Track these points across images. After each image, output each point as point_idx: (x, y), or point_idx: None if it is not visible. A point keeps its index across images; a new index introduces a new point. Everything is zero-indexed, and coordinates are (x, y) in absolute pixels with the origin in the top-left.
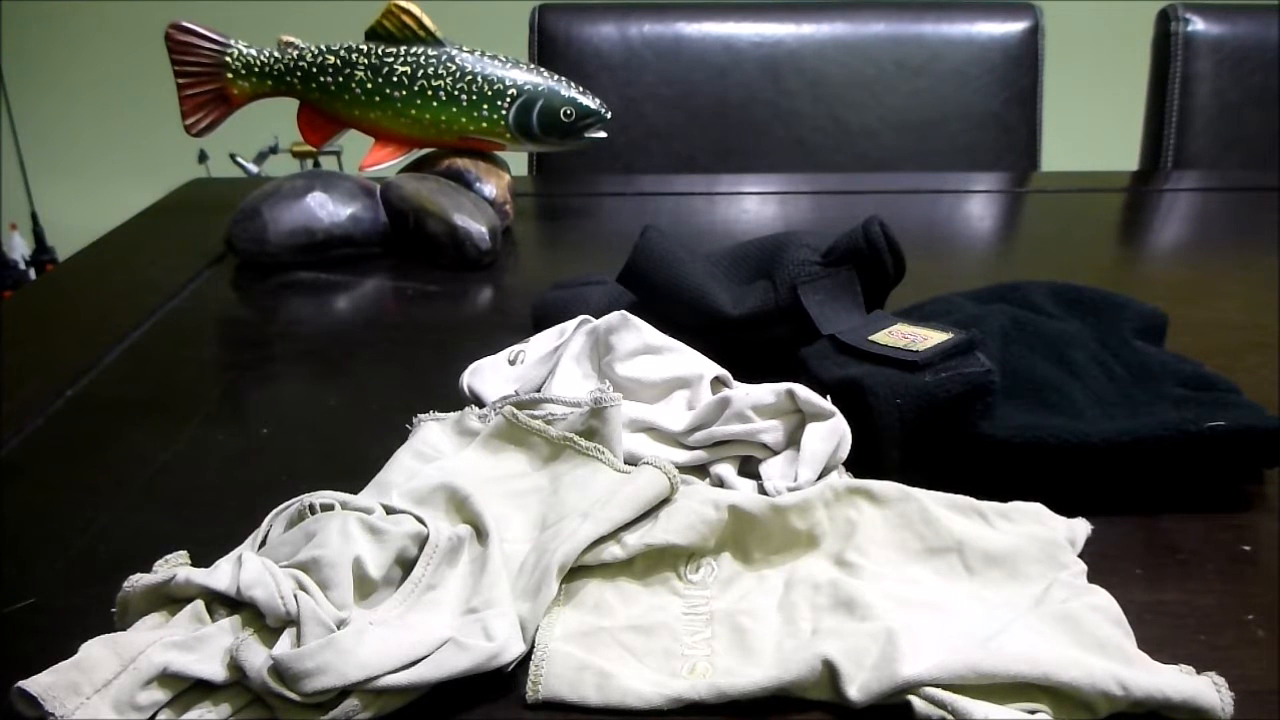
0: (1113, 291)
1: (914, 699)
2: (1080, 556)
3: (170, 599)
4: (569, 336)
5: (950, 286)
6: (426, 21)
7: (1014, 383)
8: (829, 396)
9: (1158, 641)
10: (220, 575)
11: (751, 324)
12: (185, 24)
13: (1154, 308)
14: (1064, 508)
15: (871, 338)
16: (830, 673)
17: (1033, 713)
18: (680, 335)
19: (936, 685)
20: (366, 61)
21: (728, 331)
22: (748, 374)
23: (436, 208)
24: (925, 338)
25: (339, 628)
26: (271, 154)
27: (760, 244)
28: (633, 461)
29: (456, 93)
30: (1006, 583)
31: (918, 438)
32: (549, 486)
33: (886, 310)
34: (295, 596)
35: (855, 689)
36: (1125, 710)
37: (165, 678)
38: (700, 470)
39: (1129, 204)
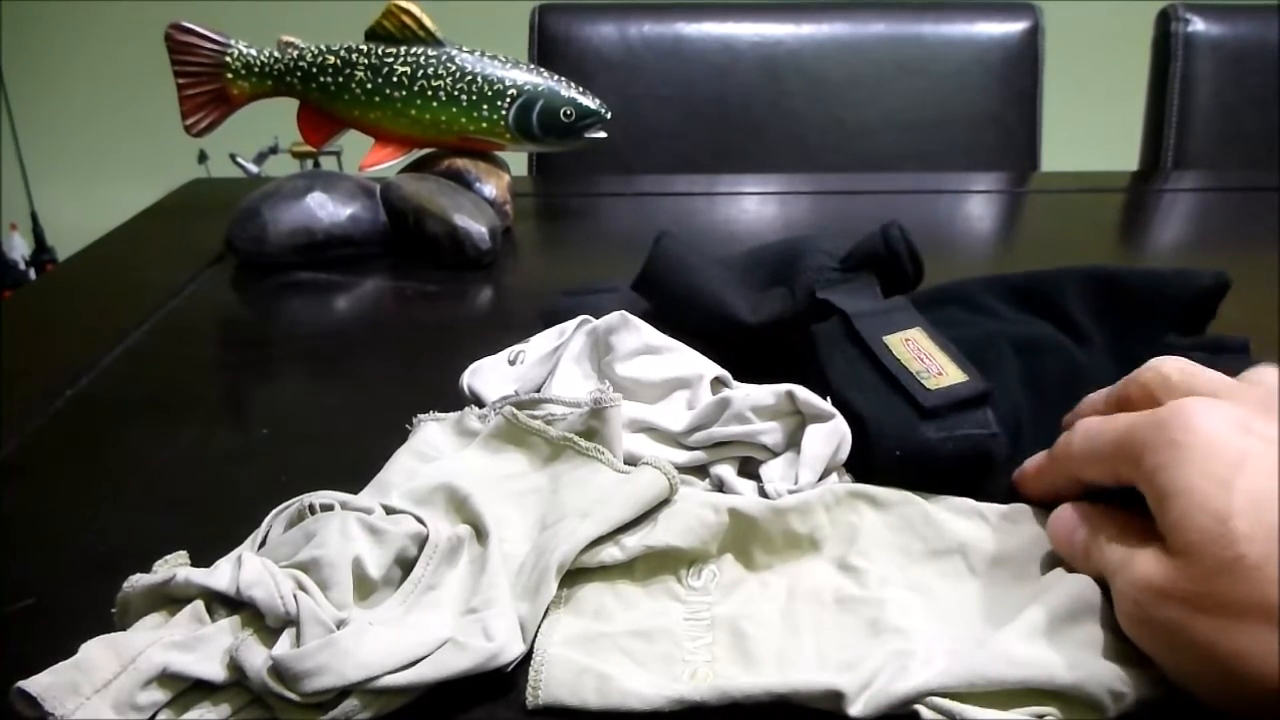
0: (1157, 271)
1: (919, 707)
2: None
3: (170, 599)
4: (569, 337)
5: None
6: (426, 21)
7: (1033, 429)
8: (829, 398)
9: None
10: (220, 575)
11: (770, 331)
12: (185, 24)
13: (1204, 278)
14: None
15: (886, 338)
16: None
17: (1041, 716)
18: (697, 343)
19: (942, 693)
20: (366, 61)
21: (745, 339)
22: (766, 381)
23: (436, 208)
24: (940, 370)
25: (339, 628)
26: (271, 154)
27: (775, 249)
28: (633, 461)
29: (456, 93)
30: (1011, 584)
31: (915, 482)
32: (549, 487)
33: None
34: (295, 596)
35: (860, 704)
36: (1130, 710)
37: (165, 678)
38: (700, 471)
39: (1129, 204)
